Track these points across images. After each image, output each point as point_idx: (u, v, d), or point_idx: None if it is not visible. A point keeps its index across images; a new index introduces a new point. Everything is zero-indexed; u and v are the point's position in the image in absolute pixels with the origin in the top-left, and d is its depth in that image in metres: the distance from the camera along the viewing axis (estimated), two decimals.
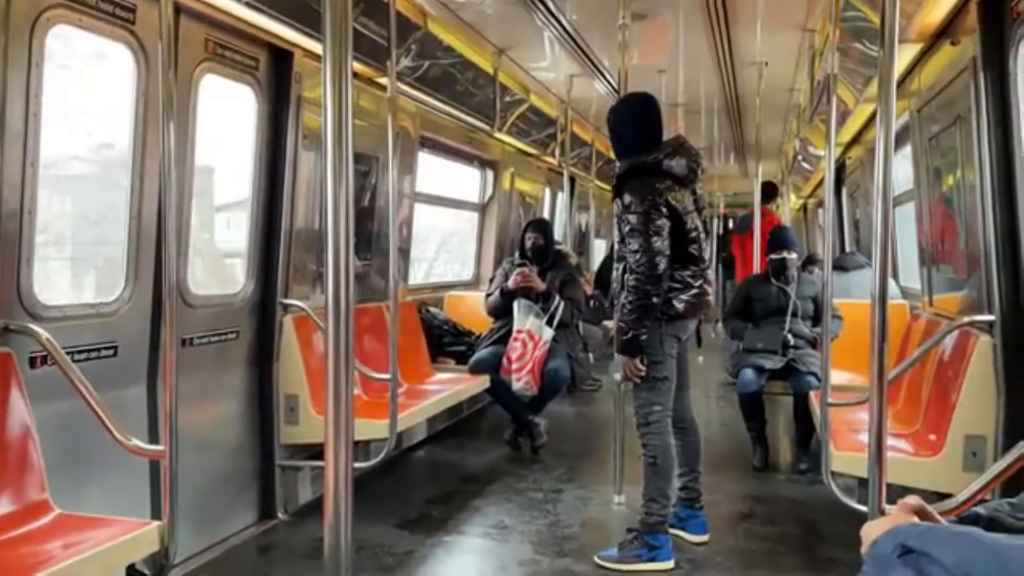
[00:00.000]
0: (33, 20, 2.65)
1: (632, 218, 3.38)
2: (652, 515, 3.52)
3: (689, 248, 3.47)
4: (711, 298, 3.62)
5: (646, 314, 3.38)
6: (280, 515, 4.08)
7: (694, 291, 3.49)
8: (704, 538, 3.77)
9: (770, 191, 8.91)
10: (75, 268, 3.97)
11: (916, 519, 1.25)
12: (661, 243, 3.34)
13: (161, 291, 2.75)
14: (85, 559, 2.26)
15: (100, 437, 2.58)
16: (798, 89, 6.68)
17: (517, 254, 5.78)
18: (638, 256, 3.35)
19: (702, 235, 3.54)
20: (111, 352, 3.09)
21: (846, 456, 3.45)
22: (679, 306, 3.47)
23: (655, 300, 3.36)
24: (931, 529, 1.15)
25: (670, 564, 3.49)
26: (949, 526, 1.19)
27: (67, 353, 2.68)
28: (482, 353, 5.55)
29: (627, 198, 3.41)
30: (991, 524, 1.28)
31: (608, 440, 4.51)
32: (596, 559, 3.54)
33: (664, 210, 3.35)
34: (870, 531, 1.23)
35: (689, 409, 3.86)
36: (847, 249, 8.01)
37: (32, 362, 2.72)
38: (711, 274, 3.67)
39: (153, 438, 3.09)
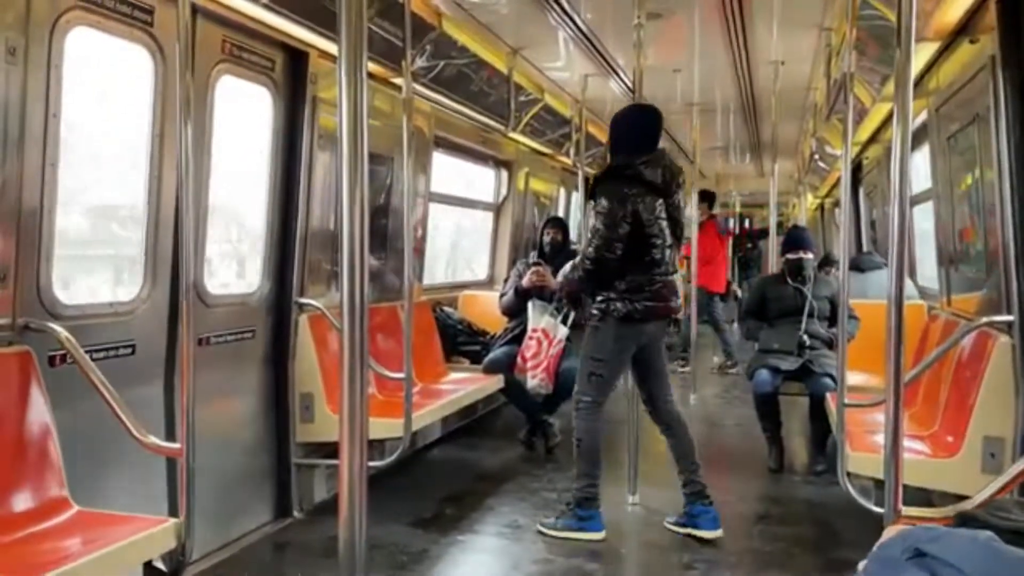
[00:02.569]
0: (52, 22, 2.68)
1: (598, 220, 3.70)
2: (580, 491, 3.81)
3: (648, 254, 3.70)
4: (672, 304, 3.79)
5: (571, 287, 3.92)
6: (295, 513, 4.10)
7: (646, 294, 3.70)
8: (717, 533, 3.78)
9: (709, 198, 8.98)
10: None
11: None
12: (615, 246, 3.65)
13: (178, 290, 2.79)
14: (103, 555, 2.28)
15: (118, 435, 2.61)
16: (815, 88, 6.64)
17: (534, 253, 5.80)
18: (591, 251, 3.69)
19: (666, 242, 3.76)
20: (129, 351, 3.12)
21: (862, 457, 3.43)
22: (629, 308, 3.68)
23: (582, 285, 3.80)
24: (946, 535, 1.14)
25: (600, 535, 3.79)
26: (962, 531, 1.18)
27: (86, 351, 2.71)
28: (496, 353, 5.55)
29: (599, 200, 3.72)
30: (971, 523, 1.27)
31: (622, 440, 4.50)
32: (537, 525, 3.90)
33: (629, 217, 3.63)
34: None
35: (673, 407, 3.99)
36: (864, 249, 7.95)
37: (51, 360, 2.76)
38: (676, 279, 3.85)
39: (170, 436, 3.12)
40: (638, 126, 3.84)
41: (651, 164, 3.71)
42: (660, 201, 3.72)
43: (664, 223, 3.74)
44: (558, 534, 3.81)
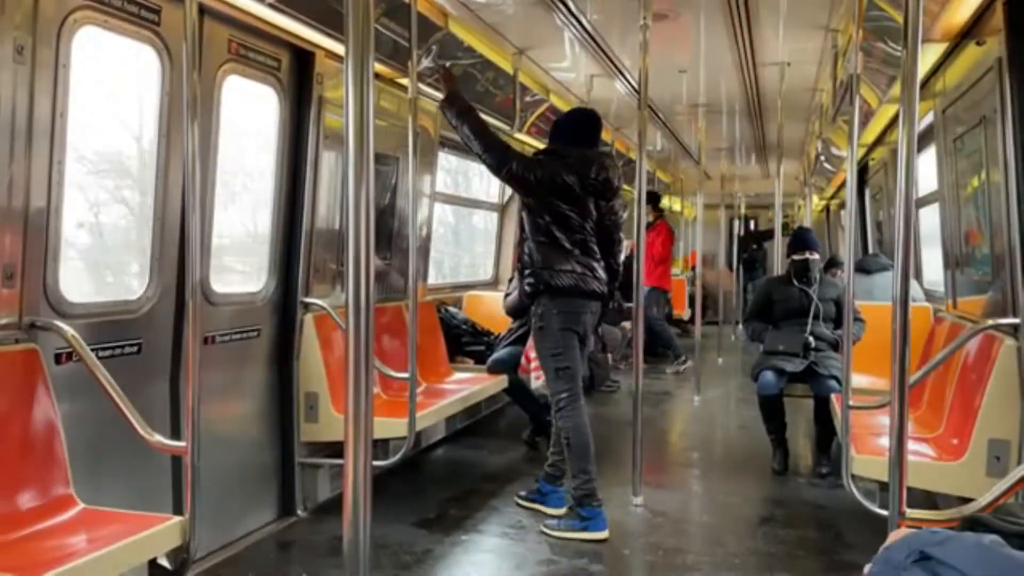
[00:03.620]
0: (60, 22, 2.69)
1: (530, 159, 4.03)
2: (578, 489, 3.88)
3: (567, 236, 3.85)
4: (595, 286, 3.89)
5: (464, 124, 3.97)
6: (299, 512, 4.11)
7: (568, 273, 3.83)
8: (562, 511, 4.08)
9: (653, 200, 8.94)
10: None
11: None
12: (518, 167, 3.84)
13: (184, 289, 2.79)
14: (108, 553, 2.29)
15: (124, 433, 2.62)
16: (820, 89, 6.62)
17: None
18: (504, 149, 3.89)
19: (587, 230, 3.90)
20: (135, 349, 3.13)
21: (867, 460, 3.43)
22: (558, 283, 3.83)
23: (464, 130, 3.96)
24: (951, 539, 1.14)
25: (604, 534, 3.83)
26: (967, 535, 1.17)
27: (92, 350, 2.72)
28: (500, 354, 5.55)
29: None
30: (976, 526, 1.26)
31: (626, 442, 4.51)
32: (541, 528, 3.93)
33: (545, 174, 3.82)
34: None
35: None
36: (870, 251, 7.94)
37: (58, 358, 2.77)
38: (602, 272, 3.96)
39: (175, 434, 3.13)
40: (578, 124, 4.12)
41: (586, 159, 3.92)
42: (592, 198, 3.90)
43: (591, 216, 3.91)
44: (562, 535, 3.85)
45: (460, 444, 5.70)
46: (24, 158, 2.60)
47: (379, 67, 4.26)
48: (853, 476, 3.27)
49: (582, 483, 3.86)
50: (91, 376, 2.63)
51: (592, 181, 3.90)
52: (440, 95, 5.17)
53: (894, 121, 5.60)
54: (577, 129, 4.07)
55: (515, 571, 3.54)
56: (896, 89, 4.57)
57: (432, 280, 6.50)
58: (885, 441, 3.03)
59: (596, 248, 3.96)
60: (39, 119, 2.63)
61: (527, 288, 3.95)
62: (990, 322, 3.38)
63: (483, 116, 5.78)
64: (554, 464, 4.16)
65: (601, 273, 3.96)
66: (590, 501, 3.86)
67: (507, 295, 5.76)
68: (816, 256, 5.27)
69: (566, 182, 3.83)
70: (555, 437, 4.14)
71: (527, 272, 3.94)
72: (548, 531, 3.89)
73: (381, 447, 4.21)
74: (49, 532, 2.46)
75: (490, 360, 5.56)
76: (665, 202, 15.80)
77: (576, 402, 3.92)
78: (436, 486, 4.68)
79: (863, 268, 6.04)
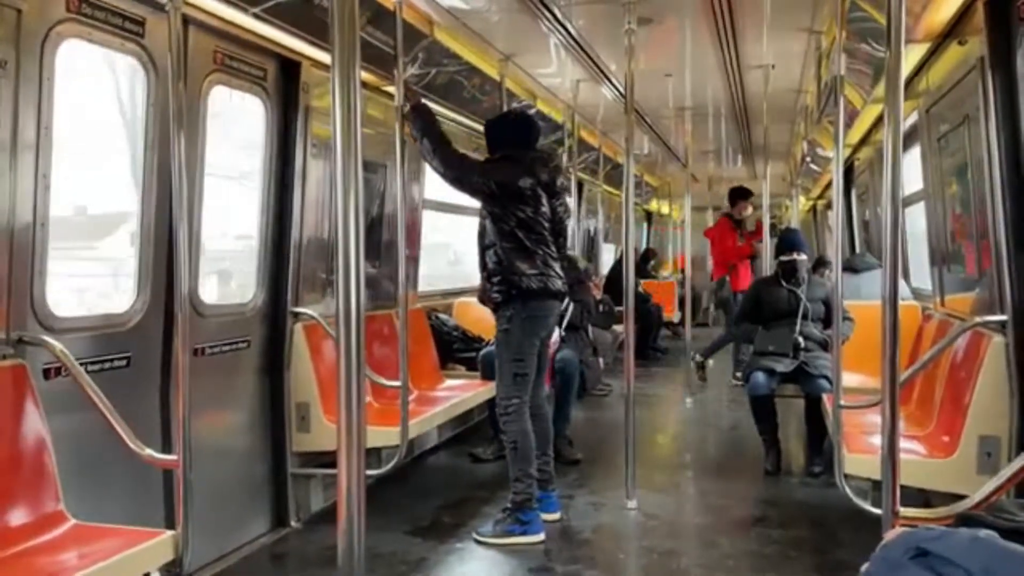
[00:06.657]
0: (44, 35, 2.68)
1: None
2: (519, 494, 3.89)
3: (530, 236, 3.88)
4: (559, 285, 3.95)
5: (424, 137, 3.88)
6: (293, 523, 4.09)
7: (533, 273, 3.86)
8: (557, 515, 4.12)
9: (741, 194, 8.82)
10: None
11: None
12: (468, 176, 3.90)
13: (173, 301, 2.78)
14: (100, 569, 2.27)
15: (114, 447, 2.61)
16: (805, 91, 6.66)
17: None
18: (461, 161, 3.93)
19: (544, 231, 3.94)
20: (124, 362, 3.11)
21: (859, 459, 3.44)
22: (527, 284, 3.85)
23: (424, 143, 3.88)
24: (947, 534, 1.15)
25: (540, 537, 3.85)
26: (963, 531, 1.18)
27: (80, 364, 2.70)
28: (491, 350, 5.48)
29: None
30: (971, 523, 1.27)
31: (619, 445, 4.51)
32: (474, 535, 3.90)
33: (498, 179, 3.86)
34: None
35: (541, 396, 4.22)
36: (857, 250, 7.98)
37: (46, 373, 2.74)
38: (559, 270, 4.00)
39: (166, 448, 3.11)
40: (521, 126, 4.19)
41: (537, 160, 4.00)
42: (544, 197, 3.95)
43: (546, 215, 3.95)
44: (499, 540, 3.84)
45: (452, 451, 5.68)
46: (9, 172, 2.58)
47: (366, 75, 4.26)
48: (845, 475, 3.28)
49: (525, 487, 3.89)
50: (80, 391, 2.61)
51: (545, 181, 3.97)
52: (427, 102, 5.18)
53: (878, 121, 5.65)
54: (523, 131, 4.14)
55: None
56: (880, 89, 4.60)
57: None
58: (877, 440, 3.05)
59: (553, 247, 4.01)
60: (24, 133, 2.61)
61: (497, 295, 3.95)
62: (978, 319, 3.40)
63: (468, 122, 5.85)
64: (539, 469, 4.11)
65: (559, 271, 4.02)
66: (530, 504, 3.89)
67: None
68: (803, 257, 5.30)
69: (524, 186, 3.88)
70: (539, 440, 4.09)
71: (496, 279, 3.93)
72: (482, 539, 3.87)
73: (373, 456, 4.19)
74: (40, 549, 2.43)
75: (482, 354, 5.52)
76: (653, 205, 15.83)
77: (524, 408, 3.95)
78: (429, 494, 4.66)
79: (851, 267, 6.07)
